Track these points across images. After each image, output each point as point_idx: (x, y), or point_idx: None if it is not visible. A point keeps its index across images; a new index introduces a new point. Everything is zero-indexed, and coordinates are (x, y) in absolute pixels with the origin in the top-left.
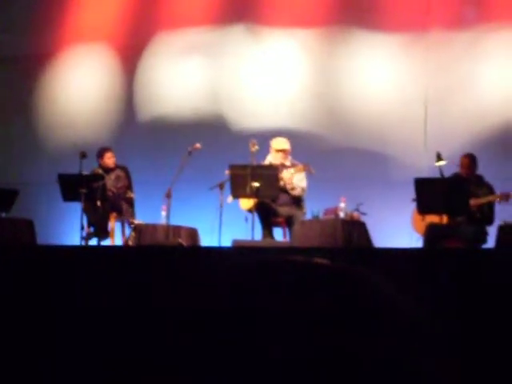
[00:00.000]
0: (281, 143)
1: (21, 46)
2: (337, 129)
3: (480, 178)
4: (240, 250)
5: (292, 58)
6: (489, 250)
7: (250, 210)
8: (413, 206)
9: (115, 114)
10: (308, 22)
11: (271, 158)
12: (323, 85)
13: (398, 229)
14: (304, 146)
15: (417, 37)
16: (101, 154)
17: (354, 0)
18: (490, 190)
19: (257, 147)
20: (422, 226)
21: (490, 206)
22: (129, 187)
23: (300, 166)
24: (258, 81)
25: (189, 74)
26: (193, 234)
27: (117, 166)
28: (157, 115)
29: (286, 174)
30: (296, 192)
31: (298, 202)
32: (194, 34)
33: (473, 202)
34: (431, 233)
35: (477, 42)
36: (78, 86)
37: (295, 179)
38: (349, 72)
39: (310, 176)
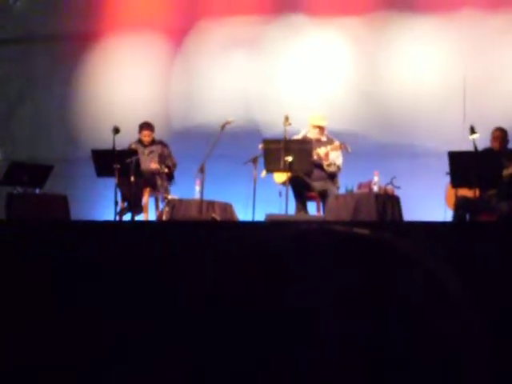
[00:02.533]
0: (318, 119)
1: (68, 25)
2: (374, 108)
3: (511, 152)
4: (273, 224)
5: (335, 46)
6: None
7: (284, 184)
8: (447, 180)
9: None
10: (348, 9)
11: (307, 133)
12: (366, 70)
13: (432, 203)
14: (338, 120)
15: (454, 17)
16: (140, 129)
17: None
18: None
19: (290, 122)
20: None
21: None
22: (164, 162)
23: (336, 144)
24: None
25: (230, 69)
26: (227, 208)
27: (154, 142)
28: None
29: (321, 151)
30: (332, 169)
31: (332, 177)
32: (236, 25)
33: (504, 172)
34: (460, 205)
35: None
36: (121, 70)
37: (331, 156)
38: (388, 55)
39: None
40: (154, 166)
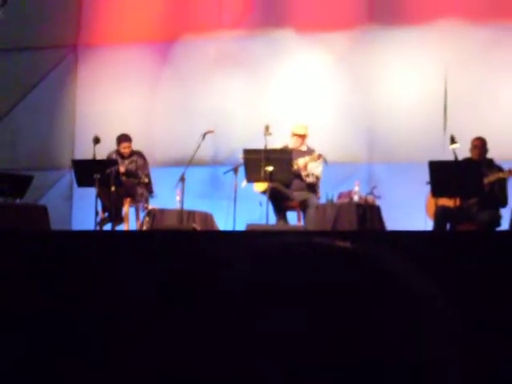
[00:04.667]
0: (298, 128)
1: (49, 36)
2: (358, 120)
3: (491, 161)
4: (254, 234)
5: (319, 61)
6: (502, 232)
7: (264, 192)
8: (428, 189)
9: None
10: (332, 24)
11: (288, 141)
12: (350, 83)
13: (412, 213)
14: (319, 126)
15: (435, 29)
16: (118, 141)
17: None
18: (500, 170)
19: (270, 132)
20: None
21: (501, 187)
22: (143, 172)
23: (314, 155)
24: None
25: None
26: (207, 218)
27: (133, 152)
28: None
29: (300, 161)
30: (310, 179)
31: (311, 188)
32: (221, 39)
33: (484, 181)
34: (440, 215)
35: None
36: (105, 82)
37: (310, 166)
38: (371, 69)
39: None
40: (123, 168)
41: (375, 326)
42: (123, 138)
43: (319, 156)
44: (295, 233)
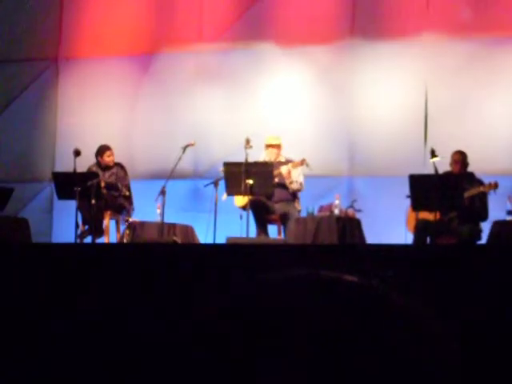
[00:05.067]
0: (270, 139)
1: (29, 49)
2: (338, 132)
3: (471, 175)
4: (234, 247)
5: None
6: (480, 245)
7: (244, 208)
8: (408, 202)
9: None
10: (313, 38)
11: (264, 155)
12: (331, 97)
13: (392, 226)
14: (300, 140)
15: (416, 42)
16: (100, 152)
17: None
18: (480, 185)
19: (251, 145)
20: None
21: (482, 201)
22: (123, 184)
23: (297, 161)
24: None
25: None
26: (188, 231)
27: (114, 164)
28: None
29: (283, 169)
30: (294, 186)
31: (294, 197)
32: (202, 51)
33: (465, 195)
34: (421, 229)
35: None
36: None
37: (294, 174)
38: (352, 82)
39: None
40: (102, 183)
41: (385, 361)
42: (105, 148)
43: (302, 161)
44: (273, 247)
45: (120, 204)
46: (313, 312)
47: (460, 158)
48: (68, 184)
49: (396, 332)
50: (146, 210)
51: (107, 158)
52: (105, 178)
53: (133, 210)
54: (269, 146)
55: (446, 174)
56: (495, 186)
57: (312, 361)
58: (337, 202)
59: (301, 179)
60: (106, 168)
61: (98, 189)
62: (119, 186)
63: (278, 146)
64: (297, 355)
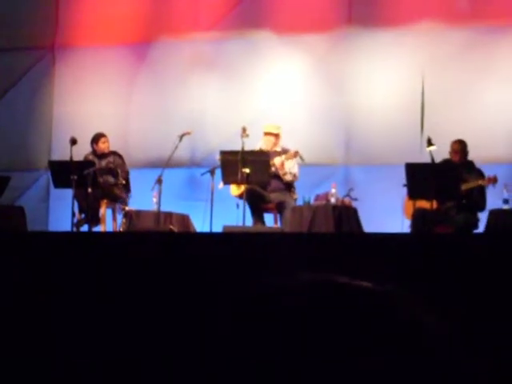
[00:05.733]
0: (269, 127)
1: (27, 37)
2: (336, 121)
3: (471, 164)
4: (230, 236)
5: (297, 63)
6: (476, 234)
7: (240, 197)
8: (405, 191)
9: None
10: (310, 26)
11: (261, 143)
12: (328, 85)
13: (390, 214)
14: (296, 128)
15: (412, 30)
16: (95, 139)
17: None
18: (480, 176)
19: (248, 133)
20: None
21: (480, 192)
22: (122, 170)
23: (290, 153)
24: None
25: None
26: (184, 220)
27: (110, 152)
28: None
29: (276, 160)
30: (288, 177)
31: (289, 187)
32: (198, 40)
33: (463, 187)
34: (418, 217)
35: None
36: (82, 83)
37: (287, 165)
38: (350, 70)
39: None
40: (111, 179)
41: (396, 372)
42: (100, 135)
43: (295, 153)
44: (270, 235)
45: (116, 193)
46: (325, 319)
47: (460, 147)
48: (64, 172)
49: (413, 345)
50: (143, 198)
51: (102, 145)
52: (101, 165)
53: (129, 197)
54: (267, 133)
55: (444, 163)
56: (494, 180)
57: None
58: (333, 190)
59: (294, 170)
60: (102, 156)
61: (95, 177)
62: (118, 171)
63: (276, 136)
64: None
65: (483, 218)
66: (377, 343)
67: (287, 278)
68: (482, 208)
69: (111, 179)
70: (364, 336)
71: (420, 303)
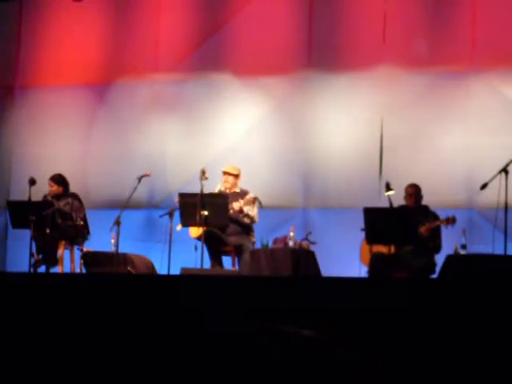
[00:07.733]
0: (228, 167)
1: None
2: (294, 163)
3: (426, 208)
4: (187, 278)
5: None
6: (432, 279)
7: (199, 239)
8: (363, 235)
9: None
10: (270, 69)
11: (220, 184)
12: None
13: (347, 258)
14: (256, 171)
15: (371, 75)
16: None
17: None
18: (436, 219)
19: (207, 176)
20: (369, 257)
21: (435, 233)
22: (78, 215)
23: (249, 199)
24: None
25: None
26: (143, 261)
27: (68, 194)
28: None
29: (235, 205)
30: (246, 220)
31: (247, 230)
32: (158, 82)
33: (422, 229)
34: (376, 262)
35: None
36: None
37: (245, 209)
38: (308, 114)
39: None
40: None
41: None
42: (49, 178)
43: (254, 200)
44: (227, 278)
45: (74, 234)
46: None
47: (414, 191)
48: (23, 213)
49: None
50: (101, 239)
51: (50, 188)
52: (59, 206)
53: (88, 239)
54: (226, 173)
55: (401, 208)
56: (453, 220)
57: None
58: (291, 234)
59: (252, 213)
60: (59, 197)
61: (53, 218)
62: (73, 215)
63: (235, 176)
64: None
65: (440, 261)
66: (318, 380)
67: (236, 325)
68: (437, 249)
69: (69, 221)
70: (306, 374)
71: (355, 344)
